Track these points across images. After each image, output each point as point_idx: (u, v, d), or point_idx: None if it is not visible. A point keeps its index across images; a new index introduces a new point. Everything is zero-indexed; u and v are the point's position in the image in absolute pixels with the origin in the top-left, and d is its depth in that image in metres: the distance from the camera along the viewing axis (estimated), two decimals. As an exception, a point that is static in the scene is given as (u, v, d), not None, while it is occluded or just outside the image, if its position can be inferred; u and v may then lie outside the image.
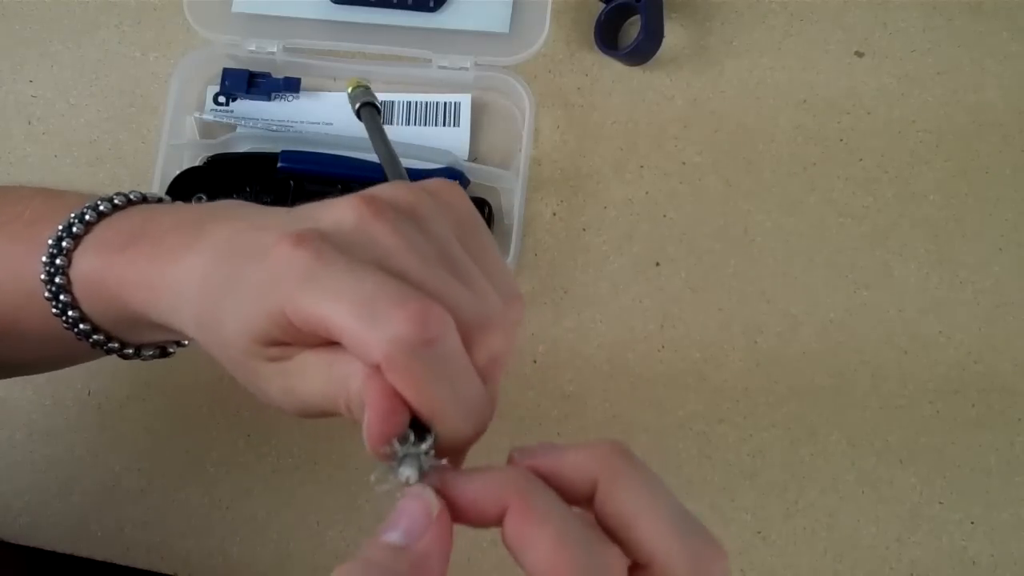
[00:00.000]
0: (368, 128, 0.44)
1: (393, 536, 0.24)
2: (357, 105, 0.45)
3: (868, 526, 0.53)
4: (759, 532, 0.53)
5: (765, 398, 0.55)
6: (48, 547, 0.54)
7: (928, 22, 0.59)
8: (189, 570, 0.54)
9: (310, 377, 0.28)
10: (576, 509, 0.25)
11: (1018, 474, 0.54)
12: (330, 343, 0.27)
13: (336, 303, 0.26)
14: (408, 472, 0.25)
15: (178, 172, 0.56)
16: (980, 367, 0.55)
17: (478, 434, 0.28)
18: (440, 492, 0.25)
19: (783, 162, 0.58)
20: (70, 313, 0.35)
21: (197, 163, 0.57)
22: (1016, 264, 0.56)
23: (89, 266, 0.34)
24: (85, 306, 0.35)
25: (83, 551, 0.54)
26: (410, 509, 0.24)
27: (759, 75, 0.59)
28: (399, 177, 0.41)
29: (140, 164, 0.59)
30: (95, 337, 0.36)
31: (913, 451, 0.54)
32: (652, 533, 0.24)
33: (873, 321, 0.56)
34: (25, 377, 0.56)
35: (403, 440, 0.25)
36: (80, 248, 0.35)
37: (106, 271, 0.34)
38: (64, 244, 0.34)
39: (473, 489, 0.24)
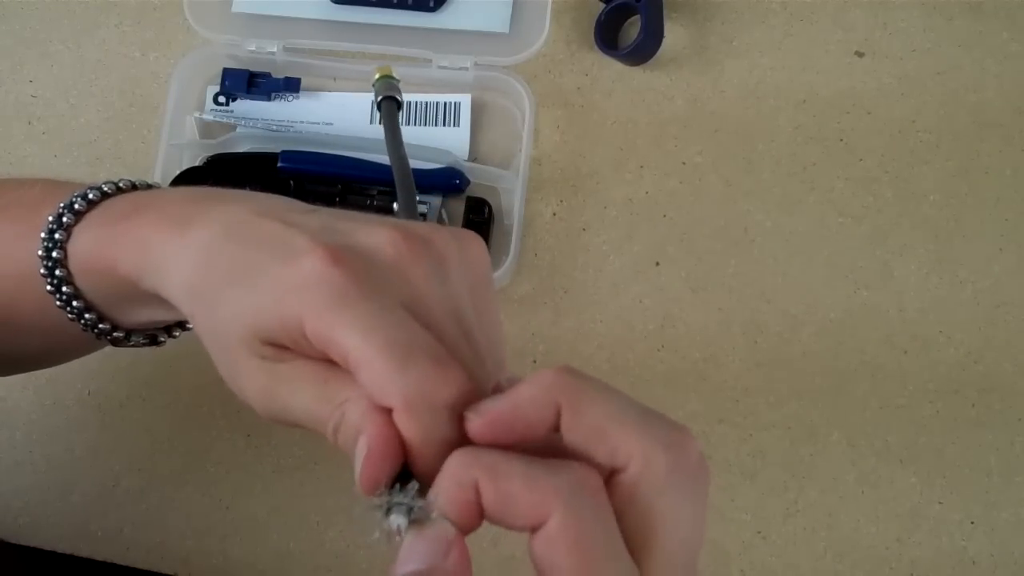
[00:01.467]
0: (384, 122, 0.44)
1: (410, 566, 0.24)
2: (379, 97, 0.45)
3: (868, 526, 0.53)
4: (759, 532, 0.53)
5: (765, 398, 0.55)
6: (48, 547, 0.54)
7: (928, 22, 0.59)
8: (189, 570, 0.54)
9: (299, 388, 0.28)
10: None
11: (1018, 474, 0.54)
12: (328, 360, 0.27)
13: (369, 336, 0.26)
14: (399, 521, 0.25)
15: (178, 172, 0.56)
16: (980, 367, 0.55)
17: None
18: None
19: (783, 162, 0.58)
20: (64, 289, 0.34)
21: (197, 163, 0.57)
22: (1016, 264, 0.56)
23: (87, 237, 0.34)
24: (80, 281, 0.35)
25: (83, 551, 0.54)
26: (425, 539, 0.24)
27: (759, 75, 0.59)
28: (405, 178, 0.41)
29: (140, 164, 0.59)
30: (87, 316, 0.35)
31: (913, 451, 0.54)
32: (624, 437, 0.24)
33: (873, 321, 0.56)
34: (25, 377, 0.56)
35: (391, 487, 0.25)
36: (80, 224, 0.34)
37: (104, 239, 0.34)
38: (64, 219, 0.34)
39: (446, 499, 0.24)
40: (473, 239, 0.31)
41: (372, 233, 0.29)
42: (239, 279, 0.29)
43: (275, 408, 0.29)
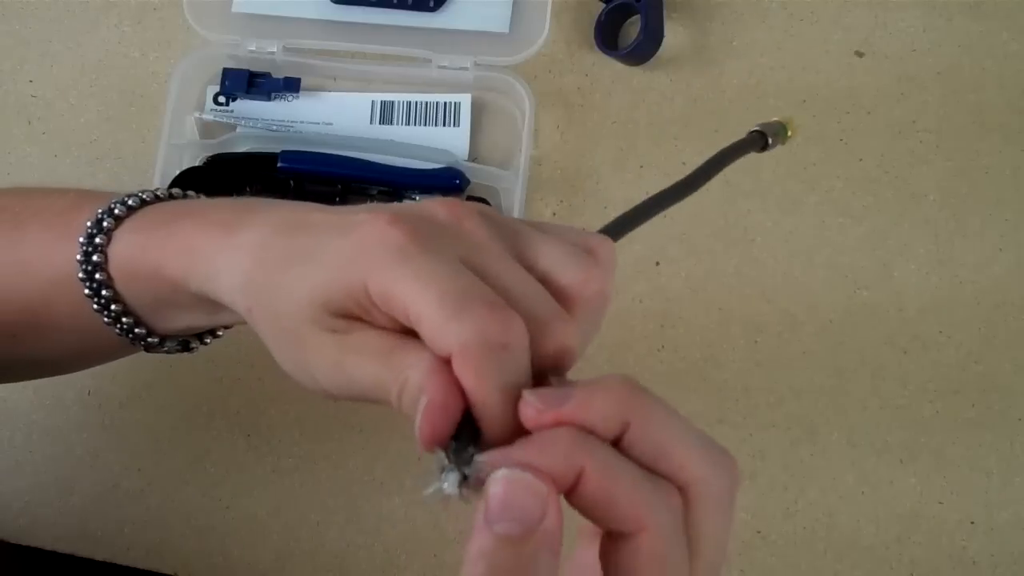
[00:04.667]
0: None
1: (504, 526, 0.23)
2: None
3: (868, 526, 0.53)
4: (759, 532, 0.53)
5: (765, 398, 0.55)
6: (48, 547, 0.54)
7: (928, 22, 0.59)
8: (189, 570, 0.54)
9: (367, 356, 0.28)
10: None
11: (1018, 474, 0.54)
12: (397, 329, 0.28)
13: (426, 288, 0.26)
14: (450, 488, 0.24)
15: (178, 172, 0.56)
16: (980, 367, 0.55)
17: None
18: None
19: (783, 162, 0.58)
20: (103, 293, 0.35)
21: (197, 163, 0.57)
22: (1016, 264, 0.56)
23: (129, 242, 0.34)
24: (119, 285, 0.35)
25: (83, 551, 0.54)
26: (511, 493, 0.24)
27: (759, 75, 0.59)
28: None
29: (140, 164, 0.59)
30: (124, 321, 0.35)
31: (913, 451, 0.54)
32: (687, 460, 0.25)
33: (873, 321, 0.56)
34: (25, 377, 0.56)
35: (448, 448, 0.25)
36: (120, 229, 0.35)
37: (147, 243, 0.34)
38: (105, 224, 0.35)
39: (549, 462, 0.24)
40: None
41: (423, 204, 0.30)
42: (299, 261, 0.29)
43: (343, 380, 0.29)
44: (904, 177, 0.57)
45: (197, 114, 0.59)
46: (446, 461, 0.25)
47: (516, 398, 0.26)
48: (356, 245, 0.28)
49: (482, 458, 0.24)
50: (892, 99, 0.58)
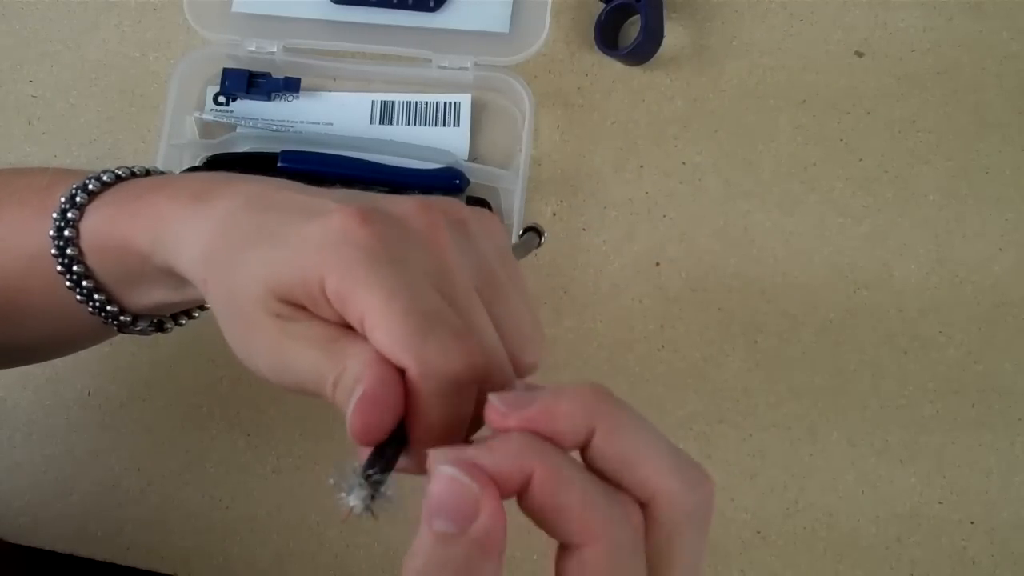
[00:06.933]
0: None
1: (440, 524, 0.23)
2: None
3: (868, 526, 0.53)
4: (759, 532, 0.53)
5: (765, 398, 0.55)
6: (48, 547, 0.54)
7: (928, 22, 0.59)
8: (189, 570, 0.54)
9: (308, 345, 0.28)
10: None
11: (1018, 474, 0.54)
12: (341, 324, 0.27)
13: (391, 299, 0.26)
14: (355, 503, 0.24)
15: (178, 172, 0.56)
16: (980, 367, 0.55)
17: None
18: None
19: (783, 162, 0.58)
20: (75, 269, 0.35)
21: (197, 163, 0.57)
22: (1016, 264, 0.56)
23: (100, 215, 0.34)
24: (90, 260, 0.35)
25: (83, 551, 0.54)
26: (447, 491, 0.23)
27: (759, 75, 0.59)
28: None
29: (140, 164, 0.59)
30: (96, 298, 0.35)
31: (913, 451, 0.54)
32: (652, 472, 0.24)
33: (873, 321, 0.56)
34: (25, 377, 0.56)
35: (370, 458, 0.25)
36: (93, 204, 0.35)
37: (117, 215, 0.34)
38: (78, 199, 0.34)
39: (494, 464, 0.23)
40: (489, 214, 0.32)
41: (397, 203, 0.29)
42: (261, 240, 0.29)
43: (280, 366, 0.28)
44: (904, 177, 0.57)
45: (197, 114, 0.59)
46: (358, 474, 0.24)
47: (457, 420, 0.26)
48: (320, 236, 0.27)
49: (432, 452, 0.24)
50: (892, 99, 0.58)
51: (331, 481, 0.24)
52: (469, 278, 0.29)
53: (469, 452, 0.24)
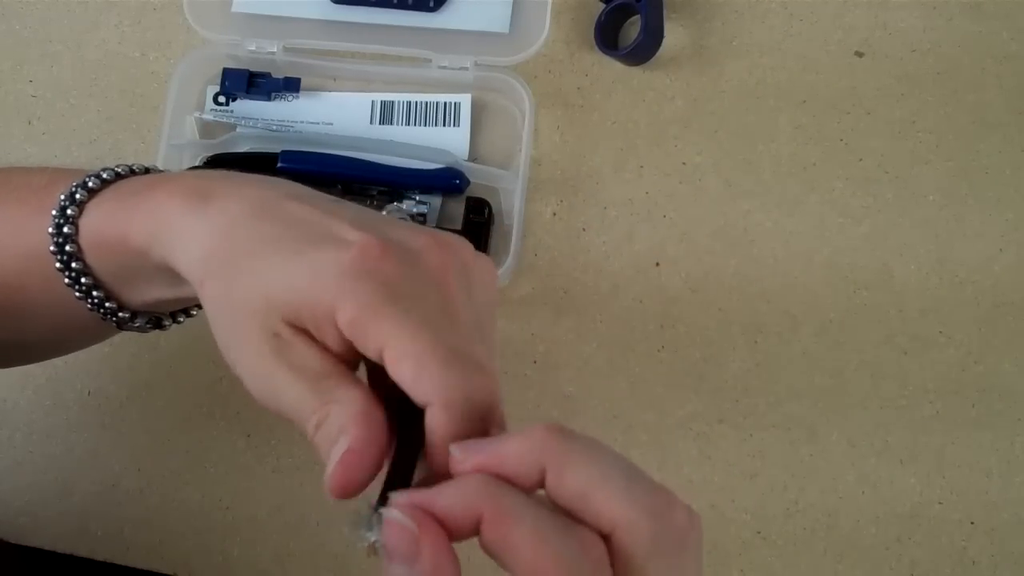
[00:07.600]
0: None
1: (394, 568, 0.24)
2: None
3: (868, 526, 0.53)
4: (759, 532, 0.53)
5: (765, 398, 0.55)
6: (48, 547, 0.54)
7: (928, 22, 0.59)
8: (189, 570, 0.54)
9: (298, 377, 0.28)
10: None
11: (1018, 474, 0.54)
12: (339, 354, 0.28)
13: (417, 334, 0.26)
14: (376, 537, 0.25)
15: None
16: (980, 367, 0.55)
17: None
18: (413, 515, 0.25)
19: (783, 162, 0.58)
20: (74, 266, 0.34)
21: (197, 163, 0.57)
22: (1016, 264, 0.56)
23: (99, 211, 0.34)
24: (89, 257, 0.35)
25: (83, 551, 0.54)
26: (394, 534, 0.24)
27: (759, 75, 0.59)
28: None
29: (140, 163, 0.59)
30: (95, 295, 0.35)
31: (913, 451, 0.54)
32: (608, 504, 0.24)
33: (873, 321, 0.56)
34: (25, 377, 0.56)
35: (376, 503, 0.26)
36: (93, 201, 0.35)
37: (116, 211, 0.34)
38: (78, 196, 0.34)
39: (445, 506, 0.24)
40: (490, 264, 0.33)
41: (413, 236, 0.30)
42: (268, 253, 0.29)
43: (266, 390, 0.29)
44: (904, 177, 0.57)
45: (197, 114, 0.59)
46: (370, 515, 0.25)
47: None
48: (338, 265, 0.28)
49: (394, 495, 0.25)
50: (892, 99, 0.58)
51: (345, 529, 0.26)
52: (469, 317, 0.30)
53: (421, 496, 0.25)
